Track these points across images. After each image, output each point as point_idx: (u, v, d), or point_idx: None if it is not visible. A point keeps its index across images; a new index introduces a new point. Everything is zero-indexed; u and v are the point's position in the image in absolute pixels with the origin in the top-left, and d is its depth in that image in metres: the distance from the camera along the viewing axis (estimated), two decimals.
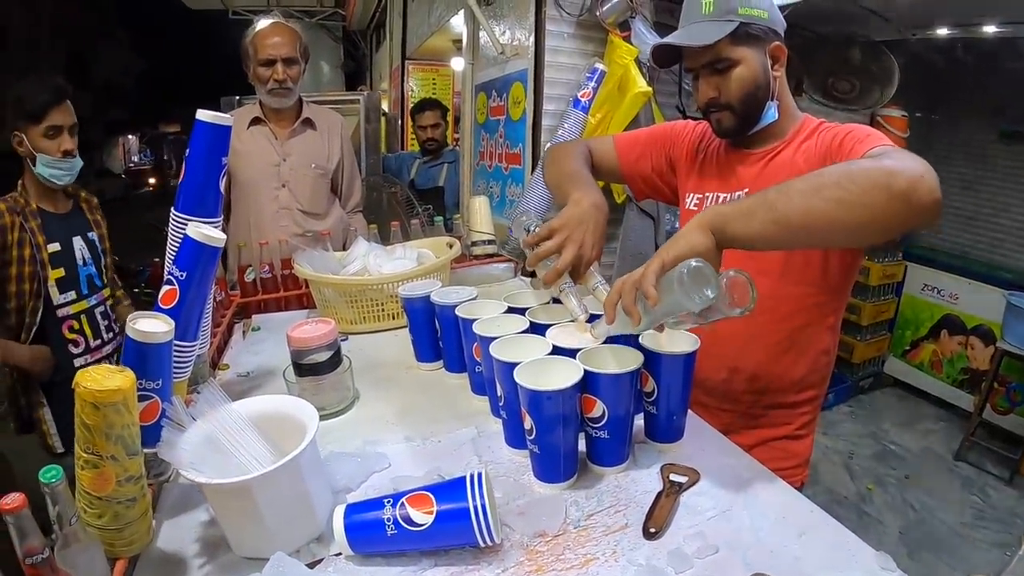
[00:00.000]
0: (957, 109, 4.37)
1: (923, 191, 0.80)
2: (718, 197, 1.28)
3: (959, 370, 3.90)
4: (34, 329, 1.81)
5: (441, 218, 2.15)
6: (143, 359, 0.90)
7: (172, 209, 1.13)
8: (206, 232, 1.03)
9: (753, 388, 1.32)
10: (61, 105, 1.82)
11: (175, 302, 1.03)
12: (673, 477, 0.97)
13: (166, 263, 1.12)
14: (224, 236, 1.06)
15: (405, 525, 0.77)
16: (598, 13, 2.26)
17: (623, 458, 1.00)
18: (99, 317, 1.98)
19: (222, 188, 1.15)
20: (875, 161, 0.86)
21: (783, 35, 1.19)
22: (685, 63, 1.23)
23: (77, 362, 1.92)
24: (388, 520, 0.78)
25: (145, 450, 0.84)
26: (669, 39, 1.17)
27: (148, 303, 5.27)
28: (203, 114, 1.11)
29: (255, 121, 2.27)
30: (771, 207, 0.85)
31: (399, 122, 5.29)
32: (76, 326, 1.91)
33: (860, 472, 3.38)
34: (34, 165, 1.80)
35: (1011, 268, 4.05)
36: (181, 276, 1.03)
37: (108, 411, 0.75)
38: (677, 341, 1.04)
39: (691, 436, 1.10)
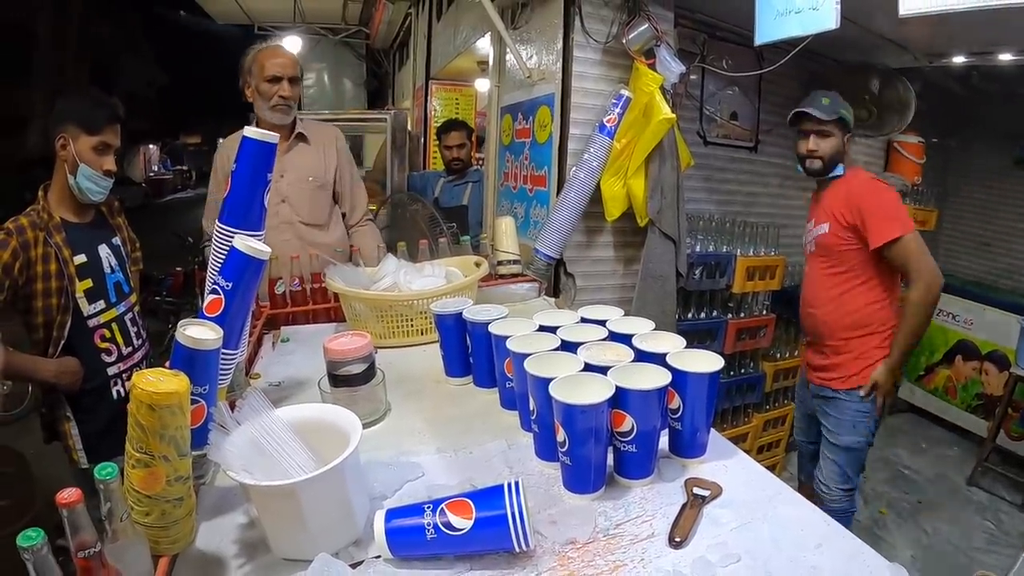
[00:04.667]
0: (972, 136, 4.39)
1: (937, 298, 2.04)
2: (808, 222, 2.30)
3: (973, 395, 3.87)
4: (62, 343, 1.80)
5: (468, 237, 2.19)
6: (192, 364, 0.94)
7: (217, 221, 1.17)
8: (253, 245, 1.07)
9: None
10: (116, 125, 1.84)
11: (220, 311, 1.07)
12: (696, 490, 1.00)
13: (209, 273, 1.16)
14: (270, 249, 1.10)
15: (445, 530, 0.81)
16: (624, 41, 2.30)
17: (649, 472, 1.04)
18: (128, 324, 1.98)
19: (267, 203, 1.20)
20: (924, 295, 2.00)
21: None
22: (803, 126, 2.15)
23: (110, 371, 1.92)
24: (428, 525, 0.81)
25: (192, 452, 0.87)
26: (805, 107, 2.11)
27: (170, 312, 5.35)
28: (250, 131, 1.17)
29: None
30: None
31: (422, 140, 5.34)
32: (108, 335, 1.90)
33: (873, 496, 3.36)
34: (73, 174, 1.78)
35: None
36: (227, 286, 1.07)
37: (163, 413, 0.79)
38: (702, 360, 1.07)
39: (713, 452, 1.13)
